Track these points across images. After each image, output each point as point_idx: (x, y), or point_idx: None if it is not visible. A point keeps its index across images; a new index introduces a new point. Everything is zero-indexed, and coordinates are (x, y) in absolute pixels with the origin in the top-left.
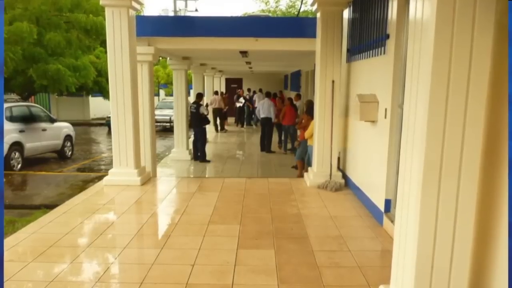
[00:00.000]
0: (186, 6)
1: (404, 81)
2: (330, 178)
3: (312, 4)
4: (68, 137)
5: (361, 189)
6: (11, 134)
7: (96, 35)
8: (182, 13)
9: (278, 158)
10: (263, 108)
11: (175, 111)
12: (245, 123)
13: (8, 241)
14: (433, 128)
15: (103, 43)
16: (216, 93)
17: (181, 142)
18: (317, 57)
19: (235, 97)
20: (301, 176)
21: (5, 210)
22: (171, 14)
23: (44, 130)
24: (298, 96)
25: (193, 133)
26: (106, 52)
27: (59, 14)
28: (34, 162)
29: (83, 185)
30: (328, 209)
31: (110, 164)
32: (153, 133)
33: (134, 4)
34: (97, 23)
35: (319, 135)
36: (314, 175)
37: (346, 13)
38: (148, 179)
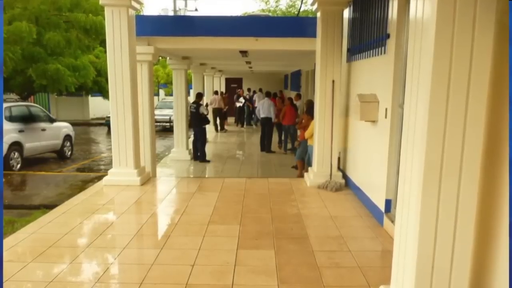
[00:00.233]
0: (186, 5)
1: (404, 81)
2: (330, 178)
3: (312, 4)
4: (67, 137)
5: (362, 189)
6: (11, 134)
7: (95, 35)
8: (182, 13)
9: (278, 158)
10: (263, 108)
11: (175, 111)
12: (245, 123)
13: (7, 241)
14: (433, 128)
15: (103, 43)
16: (216, 93)
17: (181, 142)
18: (317, 57)
19: (235, 97)
20: (301, 176)
21: (5, 210)
22: (171, 13)
23: (43, 130)
24: (298, 96)
25: (193, 133)
26: (105, 51)
27: (59, 14)
28: (33, 162)
29: (83, 185)
30: (328, 209)
31: (109, 164)
32: (153, 133)
33: (134, 3)
34: (96, 22)
35: (319, 135)
36: (314, 175)
37: (346, 13)
38: (148, 179)
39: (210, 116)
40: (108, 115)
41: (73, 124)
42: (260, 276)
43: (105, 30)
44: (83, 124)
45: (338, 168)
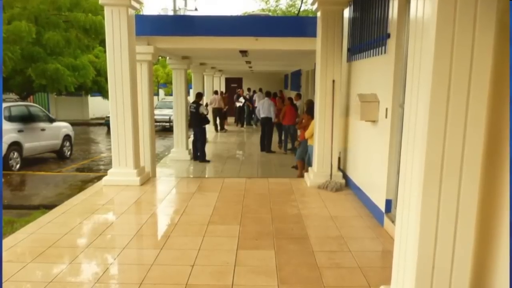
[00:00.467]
0: (185, 5)
1: (405, 81)
2: (331, 178)
3: (313, 3)
4: (67, 137)
5: (362, 189)
6: (10, 134)
7: (95, 35)
8: (181, 12)
9: (278, 158)
10: (263, 107)
11: (175, 111)
12: (245, 123)
13: (6, 242)
14: (434, 127)
15: (102, 43)
16: (216, 92)
17: (180, 142)
18: (318, 57)
19: (235, 96)
20: (301, 176)
21: (4, 210)
22: (171, 13)
23: (43, 130)
24: (299, 96)
25: (192, 133)
26: (105, 51)
27: (58, 13)
28: (33, 162)
29: (82, 185)
30: (328, 209)
31: (109, 164)
32: (153, 133)
33: (134, 3)
34: (96, 22)
35: (320, 135)
36: (314, 175)
37: (347, 12)
38: (148, 179)
39: (210, 116)
40: (108, 115)
41: (73, 124)
42: (260, 276)
43: (104, 30)
44: (82, 124)
45: (338, 168)
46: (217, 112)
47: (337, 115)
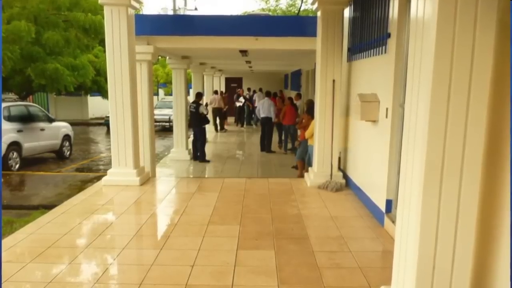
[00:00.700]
0: (185, 4)
1: (405, 80)
2: (331, 178)
3: (313, 3)
4: (66, 137)
5: (362, 189)
6: (9, 134)
7: (94, 34)
8: (181, 12)
9: (278, 158)
10: (263, 107)
11: (175, 111)
12: (245, 123)
13: (6, 242)
14: (434, 127)
15: (102, 42)
16: (215, 92)
17: (180, 142)
18: (318, 56)
19: (235, 96)
20: (302, 176)
21: (3, 210)
22: (171, 13)
23: (42, 129)
24: (299, 96)
25: (192, 132)
26: (105, 51)
27: (58, 13)
28: (32, 162)
29: (82, 185)
30: (328, 209)
31: (109, 164)
32: (152, 133)
33: (133, 2)
34: (95, 22)
35: (320, 135)
36: (314, 175)
37: (347, 12)
38: (147, 179)
39: (210, 116)
40: (107, 115)
41: (72, 124)
42: (260, 276)
43: (104, 30)
44: (82, 124)
45: (339, 168)
46: (217, 112)
47: (337, 115)
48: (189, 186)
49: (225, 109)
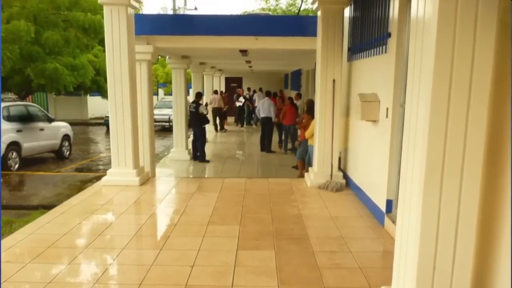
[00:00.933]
0: (185, 4)
1: (405, 80)
2: (331, 178)
3: (313, 3)
4: (66, 137)
5: (362, 190)
6: (9, 134)
7: (94, 34)
8: (181, 12)
9: (278, 158)
10: (263, 107)
11: (174, 111)
12: (245, 123)
13: (5, 242)
14: (435, 127)
15: (102, 42)
16: (215, 92)
17: (180, 142)
18: (318, 56)
19: (234, 96)
20: (302, 176)
21: (3, 210)
22: (170, 12)
23: (41, 129)
24: (299, 96)
25: (192, 132)
26: (104, 51)
27: (57, 13)
28: (31, 162)
29: (81, 185)
30: (328, 209)
31: (108, 164)
32: (152, 133)
33: (133, 2)
34: (95, 21)
35: (320, 134)
36: (314, 175)
37: (347, 12)
38: (147, 179)
39: (209, 116)
40: (107, 115)
41: (72, 123)
42: (260, 277)
43: (104, 29)
44: (81, 124)
45: (339, 168)
46: (217, 112)
47: (338, 115)
48: (189, 186)
49: (225, 109)
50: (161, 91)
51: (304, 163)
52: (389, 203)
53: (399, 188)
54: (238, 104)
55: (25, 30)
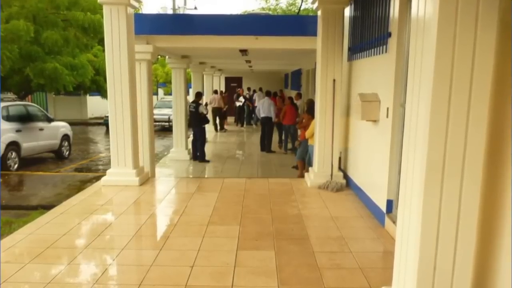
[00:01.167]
0: (185, 4)
1: (406, 80)
2: (331, 178)
3: (313, 2)
4: (65, 137)
5: (363, 190)
6: (8, 134)
7: (94, 33)
8: (181, 11)
9: (279, 158)
10: (263, 107)
11: (174, 111)
12: (245, 123)
13: (4, 242)
14: (435, 127)
15: (101, 42)
16: (215, 92)
17: (180, 141)
18: (318, 56)
19: (234, 96)
20: (302, 176)
21: (2, 210)
22: (170, 12)
23: (41, 129)
24: (299, 95)
25: (192, 132)
26: (104, 50)
27: (56, 12)
28: (31, 162)
29: (81, 186)
30: (329, 209)
31: (108, 164)
32: (152, 133)
33: (132, 2)
34: (95, 21)
35: (320, 134)
36: (315, 175)
37: (348, 11)
38: (147, 179)
39: (209, 116)
40: (107, 115)
41: (71, 123)
42: (260, 277)
43: (103, 29)
44: (81, 124)
45: (339, 168)
46: (216, 111)
47: (338, 114)
48: (188, 186)
49: (225, 109)
50: (160, 91)
51: (304, 163)
52: (390, 203)
53: (400, 188)
54: (238, 104)
55: (24, 29)
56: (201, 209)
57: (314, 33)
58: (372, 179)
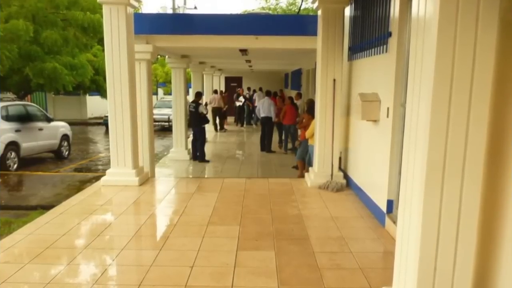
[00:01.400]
0: (185, 3)
1: (406, 80)
2: (331, 178)
3: (313, 2)
4: (65, 137)
5: (363, 190)
6: (7, 134)
7: (93, 33)
8: (180, 11)
9: (279, 158)
10: (263, 107)
11: (174, 110)
12: (245, 123)
13: (4, 243)
14: (436, 127)
15: (101, 41)
16: (215, 92)
17: (180, 141)
18: (318, 55)
19: (234, 96)
20: (302, 176)
21: (1, 211)
22: (170, 11)
23: (40, 129)
24: (299, 95)
25: (192, 132)
26: (103, 50)
27: (56, 12)
28: (30, 162)
29: (80, 186)
30: (329, 209)
31: (107, 164)
32: (152, 133)
33: (132, 1)
34: (94, 20)
35: (320, 134)
36: (315, 175)
37: (348, 11)
38: (146, 179)
39: (209, 116)
40: (106, 115)
41: (71, 123)
42: (260, 277)
43: (103, 28)
44: (80, 124)
45: (339, 168)
46: (216, 111)
47: (338, 114)
48: (188, 186)
49: (224, 109)
50: (160, 91)
51: (304, 163)
52: (390, 203)
53: (400, 188)
54: (238, 103)
55: (24, 29)
56: (201, 209)
57: (314, 33)
58: (373, 179)
